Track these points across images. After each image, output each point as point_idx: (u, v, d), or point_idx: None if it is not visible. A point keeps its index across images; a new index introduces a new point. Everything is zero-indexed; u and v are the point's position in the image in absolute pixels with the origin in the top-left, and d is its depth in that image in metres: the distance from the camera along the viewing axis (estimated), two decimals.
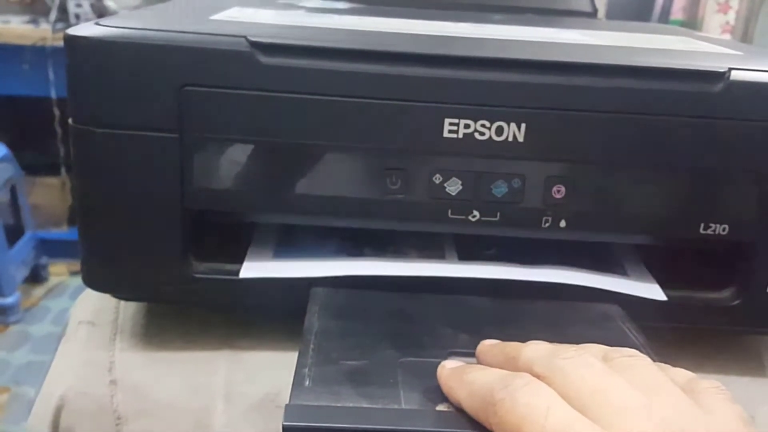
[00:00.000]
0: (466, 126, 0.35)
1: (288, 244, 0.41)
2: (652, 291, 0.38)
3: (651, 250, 0.41)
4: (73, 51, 0.35)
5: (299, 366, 0.31)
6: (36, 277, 1.80)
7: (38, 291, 1.80)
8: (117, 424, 0.37)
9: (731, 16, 1.98)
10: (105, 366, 0.38)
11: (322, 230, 0.41)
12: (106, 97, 0.35)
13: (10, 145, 1.67)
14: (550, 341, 0.29)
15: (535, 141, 0.35)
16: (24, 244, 1.70)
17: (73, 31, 0.35)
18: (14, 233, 1.67)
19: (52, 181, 1.84)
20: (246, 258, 0.39)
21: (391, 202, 0.37)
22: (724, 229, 0.37)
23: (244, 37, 0.34)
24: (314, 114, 0.35)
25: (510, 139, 0.35)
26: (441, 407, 0.29)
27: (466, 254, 0.40)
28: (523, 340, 0.30)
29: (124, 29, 0.34)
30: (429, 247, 0.41)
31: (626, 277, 0.39)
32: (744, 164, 0.36)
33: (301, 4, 0.55)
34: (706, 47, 0.44)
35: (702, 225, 0.37)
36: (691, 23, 1.97)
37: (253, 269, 0.37)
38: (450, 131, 0.35)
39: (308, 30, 0.41)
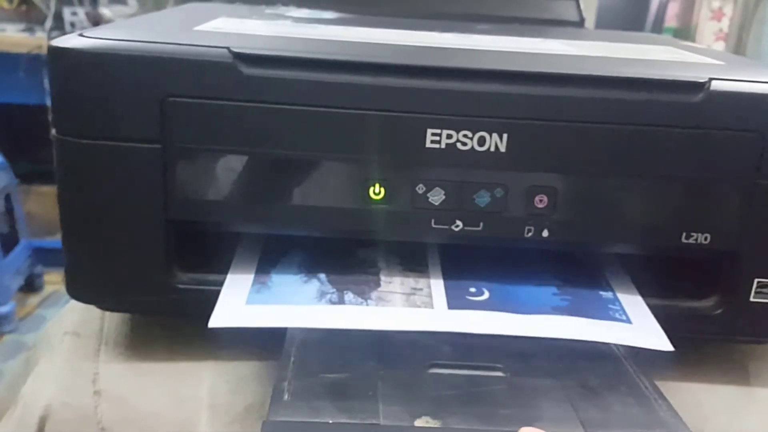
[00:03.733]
0: (449, 136, 0.35)
1: (266, 283, 0.38)
2: (658, 341, 0.36)
3: (633, 259, 0.41)
4: (56, 62, 0.35)
5: (278, 379, 0.31)
6: (31, 286, 1.79)
7: (33, 300, 1.80)
8: None
9: (725, 23, 1.99)
10: (89, 377, 0.38)
11: (304, 265, 0.40)
12: (89, 108, 0.35)
13: (5, 154, 1.67)
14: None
15: (517, 151, 0.35)
16: (19, 252, 1.69)
17: (56, 42, 0.35)
18: (9, 242, 1.67)
19: (47, 189, 1.83)
20: (219, 298, 0.36)
21: (374, 213, 0.37)
22: (706, 239, 0.37)
23: (227, 48, 0.34)
24: (297, 125, 0.35)
25: (492, 149, 0.35)
26: (419, 422, 0.29)
27: (456, 300, 0.38)
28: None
29: (107, 41, 0.34)
30: (416, 291, 0.38)
31: (628, 323, 0.37)
32: (725, 174, 0.36)
33: (287, 14, 0.56)
34: (689, 57, 0.44)
35: (684, 234, 0.37)
36: (685, 30, 1.98)
37: (224, 317, 0.35)
38: (432, 141, 0.35)
39: (292, 41, 0.42)
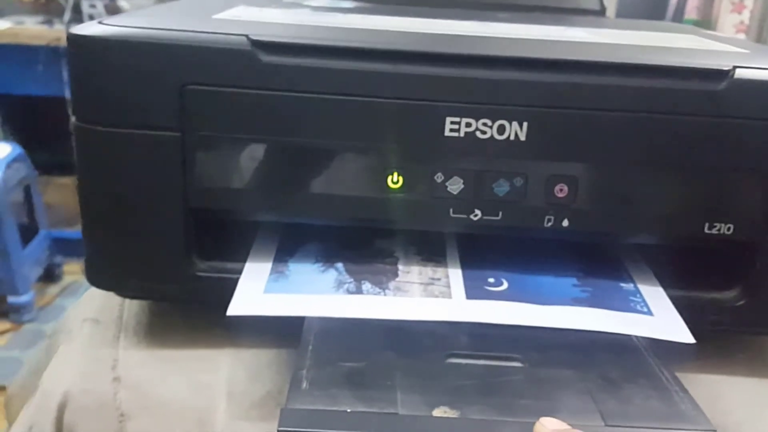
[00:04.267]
0: (468, 125, 0.35)
1: (283, 272, 0.38)
2: (679, 333, 0.35)
3: (654, 249, 0.41)
4: (76, 50, 0.35)
5: (297, 367, 0.31)
6: (50, 276, 1.81)
7: (52, 290, 1.81)
8: (120, 422, 0.37)
9: (746, 15, 1.96)
10: (109, 363, 0.39)
11: (322, 255, 0.40)
12: (109, 95, 0.35)
13: (24, 145, 1.68)
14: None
15: (538, 140, 0.35)
16: (38, 243, 1.71)
17: (76, 30, 0.35)
18: (28, 232, 1.68)
19: (66, 180, 1.85)
20: (238, 286, 0.36)
21: (392, 201, 0.37)
22: (729, 229, 0.37)
23: (246, 35, 0.34)
24: (315, 113, 0.35)
25: (512, 137, 0.35)
26: (437, 412, 0.29)
27: (474, 290, 0.37)
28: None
29: (127, 28, 0.34)
30: (434, 281, 0.38)
31: (649, 315, 0.37)
32: (749, 163, 0.36)
33: (306, 3, 0.56)
34: (713, 45, 0.43)
35: (707, 224, 0.37)
36: (706, 23, 1.96)
37: (242, 305, 0.35)
38: (452, 130, 0.35)
39: (310, 29, 0.41)
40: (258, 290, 0.36)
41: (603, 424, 0.30)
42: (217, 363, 0.39)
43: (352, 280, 0.37)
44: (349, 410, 0.29)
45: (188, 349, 0.39)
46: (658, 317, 0.36)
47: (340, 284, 0.37)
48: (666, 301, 0.38)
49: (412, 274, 0.38)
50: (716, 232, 0.37)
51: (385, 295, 0.36)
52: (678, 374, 0.34)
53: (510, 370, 0.34)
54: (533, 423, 0.29)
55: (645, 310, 0.37)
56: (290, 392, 0.30)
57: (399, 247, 0.41)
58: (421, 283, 0.37)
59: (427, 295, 0.36)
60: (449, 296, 0.36)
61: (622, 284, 0.39)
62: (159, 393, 0.38)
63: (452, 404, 0.30)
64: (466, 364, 0.34)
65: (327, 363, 0.32)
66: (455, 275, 0.38)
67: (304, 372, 0.31)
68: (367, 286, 0.37)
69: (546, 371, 0.34)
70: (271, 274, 0.38)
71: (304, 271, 0.38)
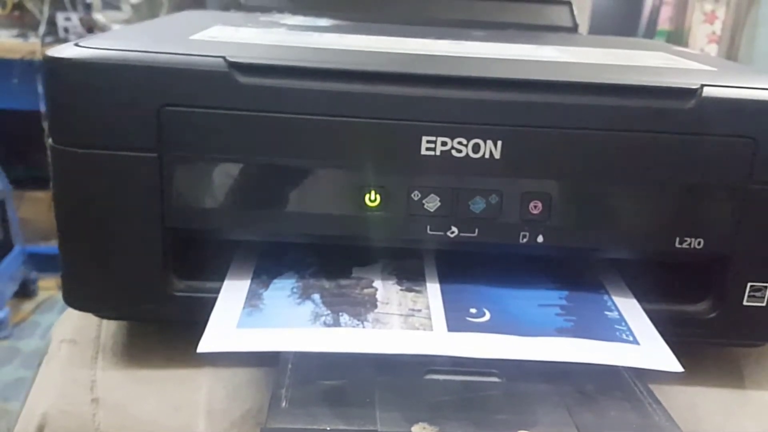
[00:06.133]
0: (444, 144, 0.35)
1: (257, 306, 0.37)
2: (667, 362, 0.34)
3: (628, 264, 0.42)
4: (52, 72, 0.35)
5: (276, 386, 0.31)
6: (25, 291, 1.79)
7: (27, 306, 1.79)
8: None
9: (717, 26, 2.00)
10: (87, 384, 0.38)
11: (298, 286, 0.39)
12: (86, 117, 0.35)
13: None
14: None
15: (512, 158, 0.36)
16: (13, 258, 1.69)
17: (52, 52, 0.35)
18: (3, 248, 1.66)
19: (41, 195, 1.83)
20: (209, 321, 0.35)
21: (370, 219, 0.37)
22: (699, 243, 0.38)
23: (223, 57, 0.34)
24: (293, 133, 0.35)
25: (487, 156, 0.36)
26: (416, 429, 0.29)
27: (456, 322, 0.36)
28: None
29: (103, 50, 0.35)
30: (415, 312, 0.37)
31: (635, 344, 0.36)
32: (717, 179, 0.37)
33: (282, 21, 0.56)
34: (682, 63, 0.44)
35: (677, 239, 0.38)
36: (678, 33, 2.00)
37: (214, 342, 0.34)
38: (427, 149, 0.35)
39: (288, 49, 0.42)
40: (231, 325, 0.35)
41: None
42: (195, 382, 0.39)
43: (329, 312, 0.36)
44: (329, 428, 0.29)
45: (167, 369, 0.39)
46: (644, 346, 0.36)
47: (317, 317, 0.36)
48: (651, 328, 0.37)
49: (391, 304, 0.37)
50: (687, 247, 0.38)
51: (363, 327, 0.35)
52: (651, 385, 0.35)
53: (488, 385, 0.34)
54: None
55: (631, 338, 0.36)
56: (270, 411, 0.30)
57: (377, 276, 0.40)
58: (401, 315, 0.36)
59: (408, 327, 0.35)
60: (430, 328, 0.35)
61: (607, 312, 0.38)
62: (138, 413, 0.38)
63: (431, 420, 0.31)
64: (445, 380, 0.34)
65: (306, 381, 0.32)
66: (436, 306, 0.37)
67: (284, 391, 0.31)
68: (345, 318, 0.36)
69: (523, 386, 0.34)
70: (244, 308, 0.36)
71: (279, 305, 0.37)
